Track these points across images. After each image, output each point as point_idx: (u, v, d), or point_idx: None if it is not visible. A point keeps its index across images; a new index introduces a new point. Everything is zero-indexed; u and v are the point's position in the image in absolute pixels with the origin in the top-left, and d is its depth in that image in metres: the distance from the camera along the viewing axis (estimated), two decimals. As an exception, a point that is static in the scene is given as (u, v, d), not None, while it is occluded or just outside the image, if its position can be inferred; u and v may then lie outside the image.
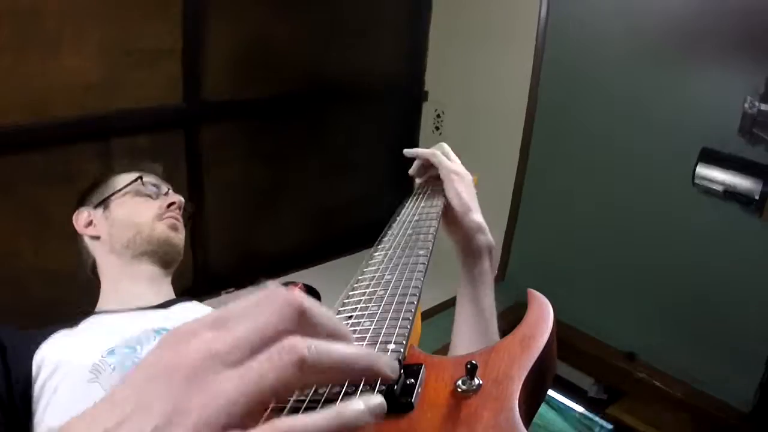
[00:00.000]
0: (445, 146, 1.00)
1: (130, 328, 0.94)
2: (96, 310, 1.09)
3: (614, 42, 2.43)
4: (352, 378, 0.41)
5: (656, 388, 2.44)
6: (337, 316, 0.60)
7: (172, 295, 1.13)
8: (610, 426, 2.52)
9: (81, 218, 1.18)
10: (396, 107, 3.29)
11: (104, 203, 1.17)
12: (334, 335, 0.38)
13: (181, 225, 1.19)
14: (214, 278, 2.56)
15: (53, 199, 2.02)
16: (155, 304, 1.07)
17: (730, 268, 2.20)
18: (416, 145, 3.27)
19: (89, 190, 1.23)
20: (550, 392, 2.34)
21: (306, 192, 2.91)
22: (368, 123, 3.14)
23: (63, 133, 2.00)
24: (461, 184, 0.93)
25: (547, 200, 2.80)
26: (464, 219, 0.91)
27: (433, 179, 0.99)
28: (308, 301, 0.36)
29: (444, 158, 0.96)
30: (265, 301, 0.36)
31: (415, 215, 0.86)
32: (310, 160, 2.88)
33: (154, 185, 1.21)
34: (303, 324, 0.36)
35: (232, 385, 0.31)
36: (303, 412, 0.34)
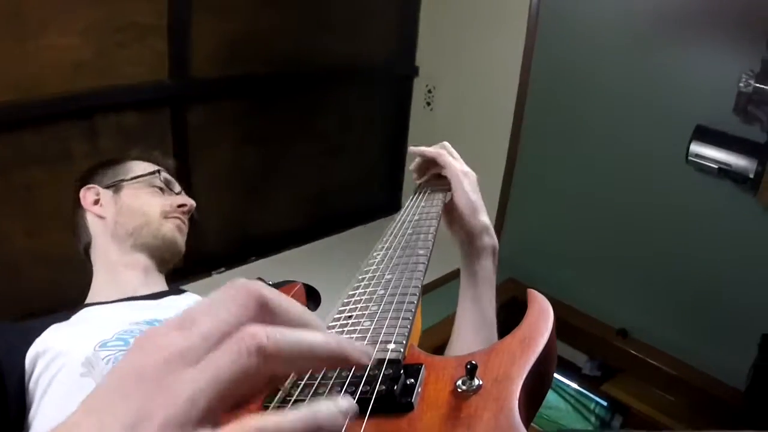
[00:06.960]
0: (448, 145, 0.99)
1: (122, 319, 0.93)
2: (89, 301, 1.08)
3: (609, 19, 2.41)
4: (321, 366, 0.40)
5: (650, 365, 2.46)
6: (337, 316, 0.61)
7: (164, 288, 1.13)
8: (605, 403, 2.54)
9: (89, 195, 1.17)
10: (387, 83, 3.27)
11: (115, 186, 1.17)
12: (300, 325, 0.37)
13: (185, 228, 1.19)
14: (205, 260, 2.55)
15: (43, 180, 2.01)
16: (147, 293, 1.07)
17: (724, 247, 2.21)
18: (407, 122, 3.27)
19: (100, 167, 1.23)
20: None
21: (297, 173, 2.89)
22: (359, 100, 3.12)
23: (51, 111, 1.98)
24: (469, 183, 0.93)
25: (540, 176, 2.79)
26: (471, 219, 0.91)
27: (434, 178, 0.99)
28: (270, 291, 0.36)
29: (450, 157, 0.96)
30: (227, 295, 0.35)
31: (415, 215, 0.86)
32: (301, 140, 2.86)
33: (169, 182, 1.22)
34: (266, 314, 0.35)
35: (192, 383, 0.30)
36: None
